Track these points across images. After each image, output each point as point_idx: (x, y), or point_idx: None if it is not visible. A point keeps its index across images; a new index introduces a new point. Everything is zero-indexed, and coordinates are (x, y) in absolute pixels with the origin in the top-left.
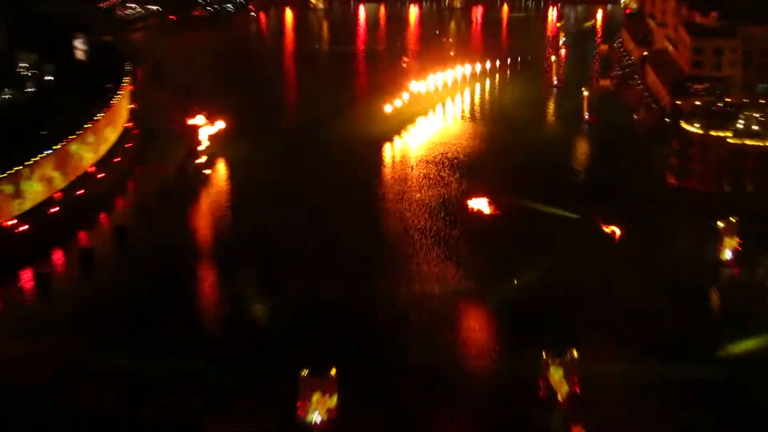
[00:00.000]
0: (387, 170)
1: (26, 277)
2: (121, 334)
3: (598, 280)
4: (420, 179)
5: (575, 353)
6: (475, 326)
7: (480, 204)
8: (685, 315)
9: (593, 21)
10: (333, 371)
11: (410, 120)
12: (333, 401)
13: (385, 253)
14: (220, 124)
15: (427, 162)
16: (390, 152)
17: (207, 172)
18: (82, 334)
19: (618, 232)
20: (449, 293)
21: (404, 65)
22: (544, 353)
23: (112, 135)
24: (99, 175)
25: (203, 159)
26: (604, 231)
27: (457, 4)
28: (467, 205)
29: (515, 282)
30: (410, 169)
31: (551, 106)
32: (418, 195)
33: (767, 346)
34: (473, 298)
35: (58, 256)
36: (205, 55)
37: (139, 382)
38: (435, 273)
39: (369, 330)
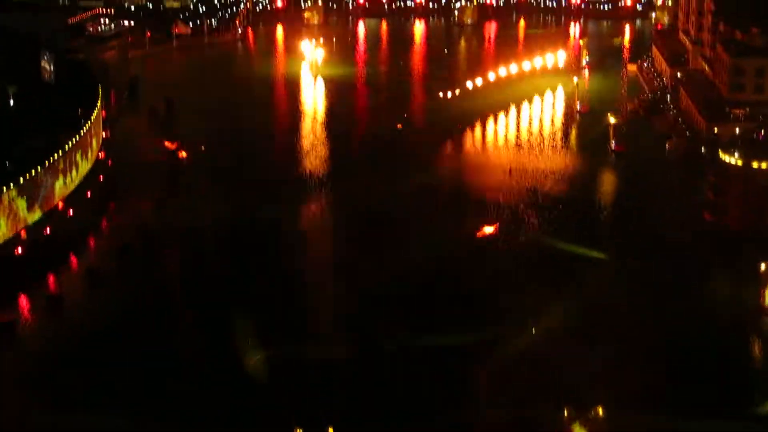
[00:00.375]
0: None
1: None
2: (94, 393)
3: (626, 327)
4: (427, 210)
5: (601, 411)
6: (489, 377)
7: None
8: (722, 368)
9: (620, 38)
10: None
11: (419, 146)
12: None
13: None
14: (201, 150)
15: (436, 193)
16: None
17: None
18: (48, 391)
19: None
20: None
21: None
22: (566, 409)
23: (83, 166)
24: (69, 212)
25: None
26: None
27: (468, 20)
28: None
29: (533, 330)
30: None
31: (574, 134)
32: (424, 227)
33: None
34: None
35: (23, 303)
36: (187, 76)
37: None
38: (444, 316)
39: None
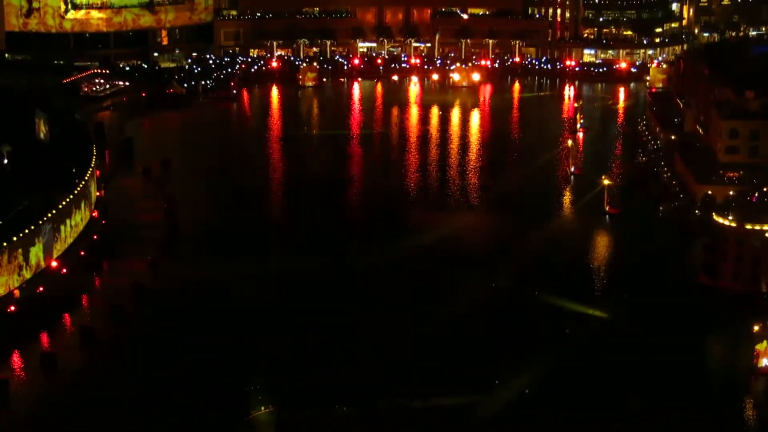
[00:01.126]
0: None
1: None
2: None
3: (619, 387)
4: (416, 273)
5: None
6: None
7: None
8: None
9: (614, 100)
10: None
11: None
12: None
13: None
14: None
15: (427, 257)
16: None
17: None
18: None
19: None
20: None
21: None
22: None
23: (77, 225)
24: (62, 270)
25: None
26: None
27: (462, 83)
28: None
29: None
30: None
31: (568, 196)
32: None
33: None
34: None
35: (16, 361)
36: (181, 136)
37: None
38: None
39: None
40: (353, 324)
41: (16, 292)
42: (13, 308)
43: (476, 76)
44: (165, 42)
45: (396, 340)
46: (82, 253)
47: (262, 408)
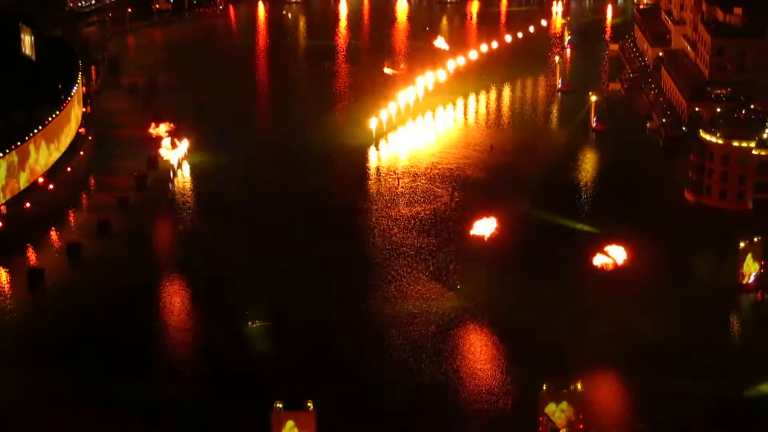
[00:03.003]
0: (371, 182)
1: None
2: (81, 362)
3: (607, 305)
4: (409, 192)
5: (579, 386)
6: (470, 352)
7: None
8: (702, 343)
9: (601, 16)
10: (310, 404)
11: (397, 127)
12: None
13: (371, 274)
14: (183, 131)
15: (416, 174)
16: (375, 162)
17: (169, 184)
18: (35, 359)
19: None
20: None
21: (394, 69)
22: (545, 386)
23: (63, 142)
24: (49, 186)
25: (165, 169)
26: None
27: None
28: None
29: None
30: (397, 181)
31: (555, 112)
32: (407, 210)
33: None
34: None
35: (2, 276)
36: (167, 52)
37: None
38: (427, 295)
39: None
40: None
41: (3, 208)
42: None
43: None
44: None
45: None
46: (69, 169)
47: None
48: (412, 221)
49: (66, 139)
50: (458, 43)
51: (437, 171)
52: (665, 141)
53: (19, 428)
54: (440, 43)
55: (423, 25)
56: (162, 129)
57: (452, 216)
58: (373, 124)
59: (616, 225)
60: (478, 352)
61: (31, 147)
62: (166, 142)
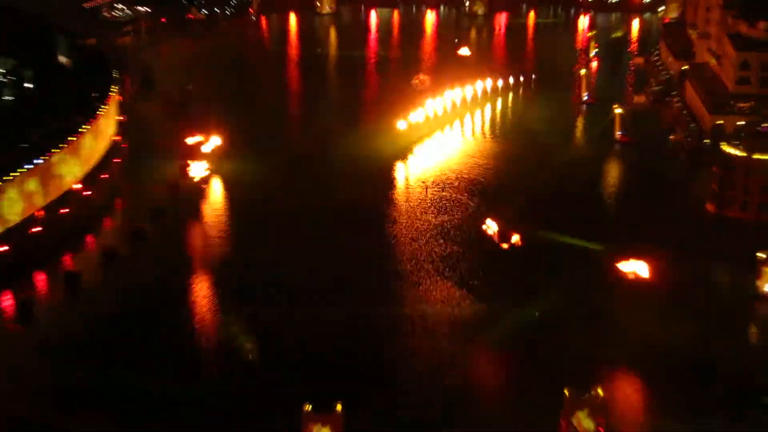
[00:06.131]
0: (398, 192)
1: (6, 302)
2: (113, 362)
3: (627, 314)
4: (435, 203)
5: (601, 392)
6: (491, 360)
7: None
8: (722, 350)
9: (627, 30)
10: (339, 407)
11: (425, 137)
12: None
13: (396, 283)
14: (216, 139)
15: (443, 184)
16: (402, 172)
17: (202, 190)
18: (68, 361)
19: (639, 272)
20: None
21: (419, 83)
22: (567, 391)
23: (98, 149)
24: (85, 193)
25: (198, 176)
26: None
27: (479, 11)
28: (485, 232)
29: (536, 314)
30: (424, 191)
31: (580, 124)
32: (432, 219)
33: None
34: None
35: (40, 280)
36: (200, 62)
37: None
38: (447, 311)
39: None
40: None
41: (41, 213)
42: (37, 228)
43: (492, 4)
44: None
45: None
46: (104, 176)
47: None
48: (439, 229)
49: (101, 146)
50: (486, 55)
51: (463, 181)
52: (688, 153)
53: (57, 426)
54: (464, 51)
55: (454, 38)
56: (194, 138)
57: (475, 224)
58: (401, 133)
59: (636, 236)
60: (502, 356)
61: (67, 154)
62: (198, 149)
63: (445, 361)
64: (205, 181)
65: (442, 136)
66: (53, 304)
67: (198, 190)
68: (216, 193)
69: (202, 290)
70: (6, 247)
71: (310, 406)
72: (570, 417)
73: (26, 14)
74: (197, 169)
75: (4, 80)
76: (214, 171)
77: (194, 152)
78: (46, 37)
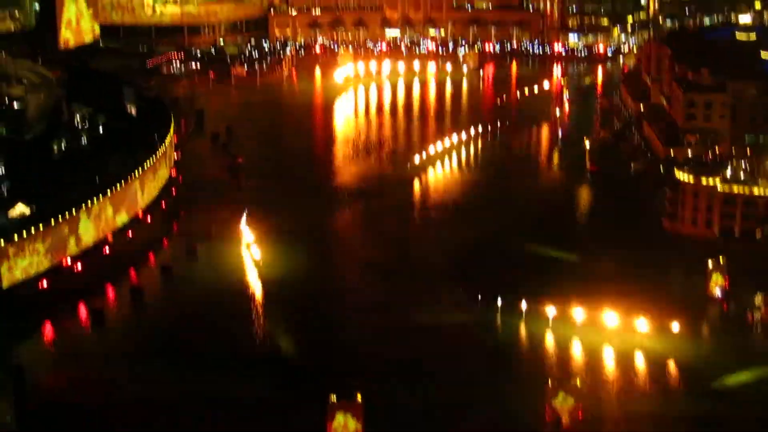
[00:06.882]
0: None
1: (82, 312)
2: (168, 364)
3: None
4: (422, 225)
5: (579, 382)
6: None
7: None
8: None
9: (591, 77)
10: (359, 396)
11: (428, 167)
12: (357, 426)
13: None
14: (255, 171)
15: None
16: (418, 194)
17: (245, 216)
18: (133, 362)
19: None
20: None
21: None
22: (549, 381)
23: (159, 182)
24: (147, 219)
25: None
26: None
27: (471, 64)
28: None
29: None
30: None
31: (556, 156)
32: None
33: (754, 377)
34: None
35: (110, 293)
36: (243, 108)
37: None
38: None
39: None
40: None
41: (110, 237)
42: (107, 250)
43: (481, 58)
44: (229, 32)
45: None
46: (163, 205)
47: None
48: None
49: (161, 180)
50: (477, 100)
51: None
52: (646, 179)
53: (126, 428)
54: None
55: (450, 87)
56: (238, 169)
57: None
58: (412, 161)
59: (603, 247)
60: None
61: (134, 186)
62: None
63: None
64: (246, 207)
65: (443, 166)
66: (121, 314)
67: (241, 216)
68: (257, 219)
69: (245, 300)
70: (82, 265)
71: (335, 396)
72: (552, 400)
73: (101, 72)
74: (241, 199)
75: (82, 124)
76: (257, 199)
77: (238, 183)
78: (116, 89)
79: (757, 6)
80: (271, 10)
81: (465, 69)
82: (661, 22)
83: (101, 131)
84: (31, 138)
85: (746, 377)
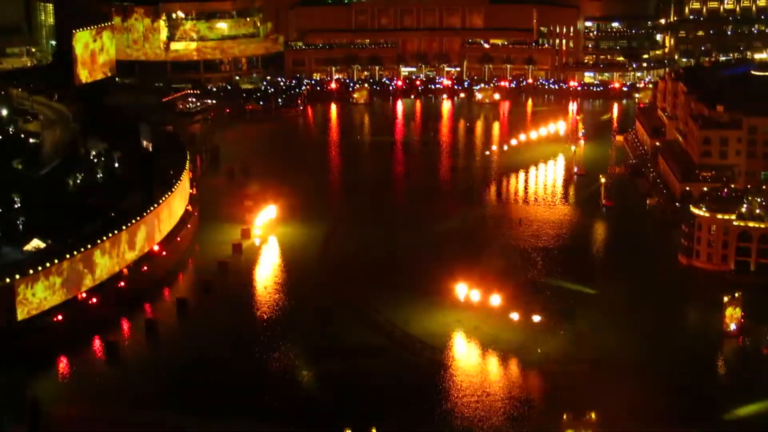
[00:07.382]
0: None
1: (96, 345)
2: (182, 396)
3: (610, 351)
4: (441, 254)
5: (593, 416)
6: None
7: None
8: (693, 382)
9: (609, 114)
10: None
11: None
12: None
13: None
14: (272, 207)
15: (455, 238)
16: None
17: (260, 250)
18: (147, 394)
19: None
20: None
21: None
22: (564, 414)
23: (174, 216)
24: (162, 253)
25: (257, 239)
26: None
27: (486, 100)
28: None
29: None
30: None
31: (572, 191)
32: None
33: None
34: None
35: (125, 326)
36: (257, 144)
37: None
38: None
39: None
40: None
41: (125, 271)
42: (122, 284)
43: (497, 95)
44: (245, 68)
45: None
46: (179, 239)
47: None
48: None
49: (177, 214)
50: (492, 136)
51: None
52: (662, 214)
53: None
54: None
55: (465, 122)
56: (253, 206)
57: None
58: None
59: (617, 282)
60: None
61: (149, 220)
62: (256, 215)
63: None
64: (263, 241)
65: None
66: (135, 346)
67: (257, 249)
68: (273, 251)
69: (258, 330)
70: (97, 299)
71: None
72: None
73: (116, 108)
74: (256, 232)
75: (98, 160)
76: (269, 232)
77: (253, 218)
78: (132, 125)
79: None
80: (287, 46)
81: (480, 103)
82: (676, 59)
83: (117, 166)
84: (46, 173)
85: (759, 408)
